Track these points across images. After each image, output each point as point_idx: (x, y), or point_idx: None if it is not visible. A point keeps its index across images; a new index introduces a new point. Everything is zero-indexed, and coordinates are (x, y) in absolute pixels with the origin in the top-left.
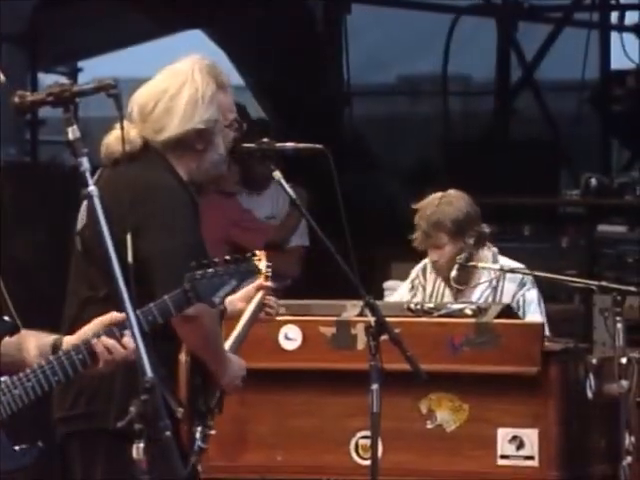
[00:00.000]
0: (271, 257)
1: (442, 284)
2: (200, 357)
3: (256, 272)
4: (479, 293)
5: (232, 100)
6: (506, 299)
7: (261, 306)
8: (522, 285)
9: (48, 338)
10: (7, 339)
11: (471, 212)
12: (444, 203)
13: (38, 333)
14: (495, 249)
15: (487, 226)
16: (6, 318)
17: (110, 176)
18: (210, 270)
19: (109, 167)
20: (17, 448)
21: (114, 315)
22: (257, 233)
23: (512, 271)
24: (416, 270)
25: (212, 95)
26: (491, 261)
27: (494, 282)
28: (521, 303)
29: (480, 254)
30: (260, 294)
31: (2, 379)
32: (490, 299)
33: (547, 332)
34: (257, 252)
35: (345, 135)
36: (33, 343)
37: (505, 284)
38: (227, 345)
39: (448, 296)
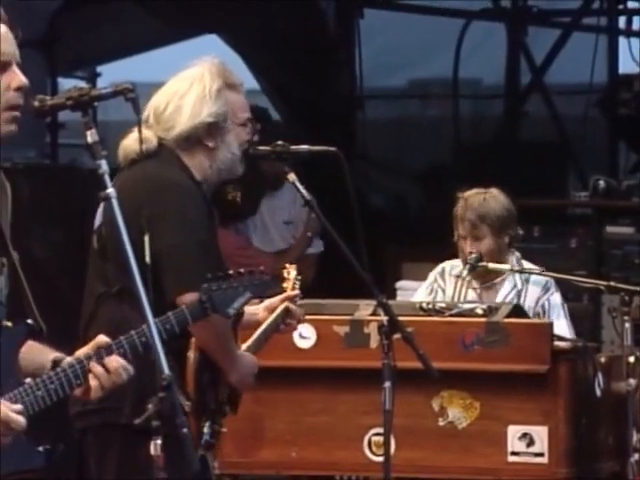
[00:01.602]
0: (283, 261)
1: (464, 286)
2: (210, 354)
3: (270, 285)
4: (503, 296)
5: (244, 100)
6: (530, 303)
7: (283, 317)
8: (546, 289)
9: (52, 354)
10: (31, 343)
11: (512, 212)
12: (490, 198)
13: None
14: (518, 254)
15: (519, 229)
16: (29, 321)
17: (126, 176)
18: (225, 282)
19: (126, 168)
20: (40, 448)
21: (100, 339)
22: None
23: (522, 271)
24: (434, 274)
25: (218, 90)
26: (515, 265)
27: (519, 285)
28: (546, 307)
29: (505, 257)
30: (283, 306)
31: (26, 381)
32: (515, 300)
33: (572, 335)
34: (287, 264)
35: (357, 137)
36: (50, 357)
37: (529, 287)
38: (243, 348)
39: (471, 298)
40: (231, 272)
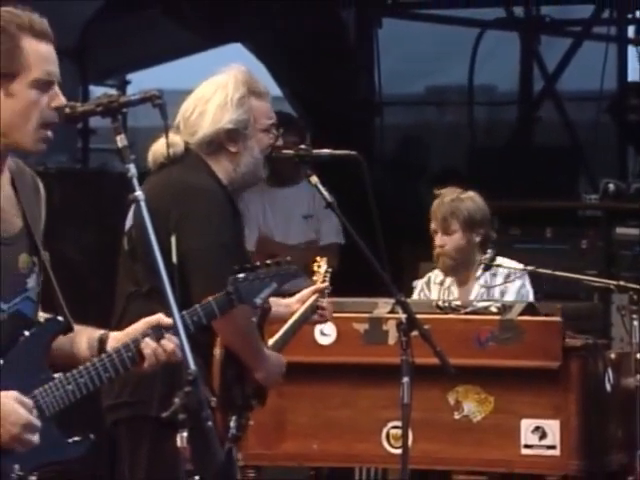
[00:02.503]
0: (306, 253)
1: (447, 290)
2: (235, 352)
3: (296, 275)
4: (475, 292)
5: (268, 107)
6: (497, 292)
7: (314, 309)
8: (507, 277)
9: (96, 333)
10: (61, 337)
11: (486, 213)
12: (464, 196)
13: (88, 328)
14: (490, 251)
15: (494, 232)
16: (60, 318)
17: (155, 180)
18: (252, 273)
19: (155, 172)
20: (70, 440)
21: (160, 317)
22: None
23: (535, 271)
24: (420, 284)
25: (240, 98)
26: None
27: (488, 281)
28: (504, 292)
29: (475, 256)
30: (314, 297)
31: (56, 375)
32: (485, 296)
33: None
34: (317, 258)
35: (376, 142)
36: (84, 338)
37: (497, 280)
38: (271, 342)
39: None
40: (258, 263)
